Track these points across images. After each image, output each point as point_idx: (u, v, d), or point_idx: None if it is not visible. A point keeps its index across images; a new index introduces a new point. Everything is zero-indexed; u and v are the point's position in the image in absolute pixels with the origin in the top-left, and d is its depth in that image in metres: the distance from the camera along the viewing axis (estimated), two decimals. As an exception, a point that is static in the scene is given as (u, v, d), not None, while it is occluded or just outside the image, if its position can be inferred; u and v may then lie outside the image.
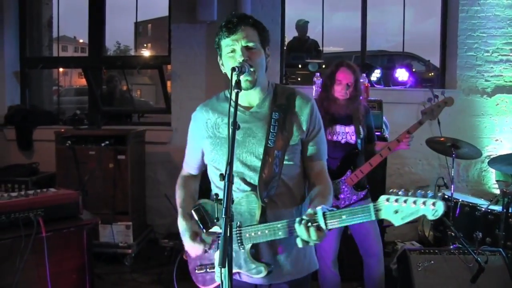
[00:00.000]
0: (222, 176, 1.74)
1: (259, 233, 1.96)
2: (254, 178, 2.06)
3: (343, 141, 3.64)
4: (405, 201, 1.63)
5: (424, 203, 1.59)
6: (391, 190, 1.70)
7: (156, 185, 5.92)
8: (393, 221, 1.66)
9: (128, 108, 6.74)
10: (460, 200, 4.52)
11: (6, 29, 6.24)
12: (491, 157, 5.09)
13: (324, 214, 1.78)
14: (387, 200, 1.67)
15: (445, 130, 5.49)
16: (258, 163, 2.05)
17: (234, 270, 2.05)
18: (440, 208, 1.57)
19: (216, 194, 1.98)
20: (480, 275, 3.42)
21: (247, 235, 2.00)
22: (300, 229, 1.79)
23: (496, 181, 5.63)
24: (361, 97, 3.73)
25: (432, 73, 6.42)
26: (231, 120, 1.81)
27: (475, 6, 5.80)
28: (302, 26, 6.80)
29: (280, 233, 1.92)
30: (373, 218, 1.69)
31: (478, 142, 5.49)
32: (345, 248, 3.97)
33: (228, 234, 1.65)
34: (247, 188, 2.07)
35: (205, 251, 2.16)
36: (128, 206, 5.19)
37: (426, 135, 4.79)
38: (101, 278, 4.66)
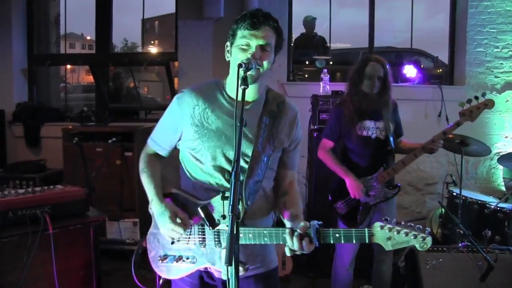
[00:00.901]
0: (229, 174, 1.73)
1: (241, 235, 1.94)
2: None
3: (373, 136, 3.61)
4: (398, 231, 1.80)
5: (415, 236, 1.79)
6: (384, 217, 1.85)
7: (162, 182, 5.90)
8: (384, 247, 1.82)
9: (135, 105, 6.75)
10: (468, 197, 4.49)
11: (13, 27, 6.26)
12: (501, 154, 5.05)
13: (317, 231, 1.86)
14: (381, 227, 1.81)
15: (453, 127, 5.46)
16: (243, 163, 2.04)
17: (206, 265, 2.10)
18: (429, 242, 1.79)
19: (223, 192, 1.96)
20: (490, 274, 3.39)
21: (226, 235, 1.99)
22: (292, 241, 1.86)
23: (503, 178, 5.59)
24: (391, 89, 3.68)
25: (441, 70, 6.37)
26: (238, 117, 1.78)
27: (484, 1, 5.74)
28: (309, 22, 6.77)
29: (266, 239, 1.95)
30: (367, 241, 1.82)
31: (487, 139, 5.44)
32: (358, 247, 3.95)
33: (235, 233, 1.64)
34: (227, 185, 2.03)
35: (172, 242, 2.16)
36: (135, 202, 5.19)
37: (435, 132, 4.74)
38: (108, 275, 4.66)
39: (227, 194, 1.89)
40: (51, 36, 7.06)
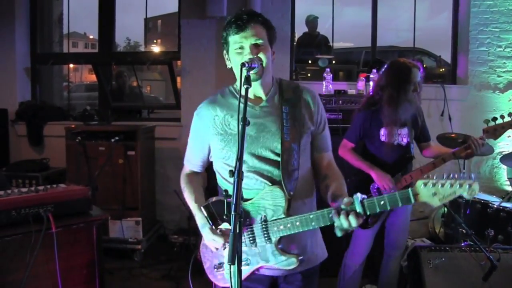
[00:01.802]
0: (231, 173, 1.73)
1: (289, 225, 1.97)
2: (272, 172, 2.08)
3: (395, 143, 3.60)
4: (442, 185, 1.73)
5: (461, 185, 1.72)
6: (425, 175, 1.81)
7: (165, 181, 5.93)
8: (432, 203, 1.75)
9: (138, 104, 6.76)
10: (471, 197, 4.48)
11: (17, 26, 6.27)
12: (503, 153, 5.04)
13: (362, 202, 1.83)
14: (425, 184, 1.75)
15: (456, 126, 5.47)
16: (274, 157, 2.08)
17: (260, 264, 2.09)
18: (476, 189, 1.72)
19: (226, 191, 1.97)
20: (492, 273, 3.39)
21: (275, 228, 2.01)
22: (340, 219, 1.83)
23: (508, 178, 5.57)
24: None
25: (443, 69, 6.36)
26: (240, 116, 1.80)
27: (487, 1, 5.73)
28: (312, 21, 6.76)
29: (313, 223, 1.94)
30: (413, 201, 1.77)
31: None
32: (371, 245, 3.95)
33: (238, 231, 1.65)
34: (266, 182, 2.07)
35: (224, 249, 2.16)
36: (137, 202, 5.21)
37: (437, 131, 4.75)
38: (110, 273, 4.67)
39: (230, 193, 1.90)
40: (54, 35, 7.08)
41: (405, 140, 3.62)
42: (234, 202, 1.66)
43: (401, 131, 3.61)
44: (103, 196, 4.94)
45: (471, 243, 3.65)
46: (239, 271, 1.65)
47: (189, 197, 2.30)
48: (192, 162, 2.37)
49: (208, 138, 2.21)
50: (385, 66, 3.77)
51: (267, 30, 2.10)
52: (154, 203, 5.90)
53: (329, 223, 1.91)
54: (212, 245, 2.16)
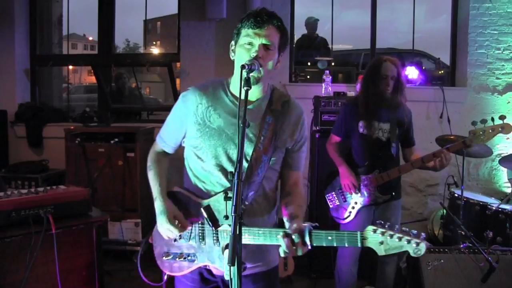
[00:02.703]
0: (231, 174, 1.73)
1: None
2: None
3: (374, 136, 3.61)
4: (391, 236, 1.72)
5: (408, 241, 1.70)
6: (378, 221, 1.78)
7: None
8: (377, 251, 1.75)
9: (138, 105, 6.76)
10: (470, 198, 4.50)
11: (16, 27, 6.27)
12: (502, 155, 5.05)
13: (310, 233, 1.82)
14: (374, 231, 1.74)
15: (455, 128, 5.47)
16: (243, 163, 2.02)
17: (206, 262, 2.12)
18: (422, 248, 1.70)
19: (225, 192, 1.97)
20: (491, 275, 3.39)
21: (224, 234, 2.02)
22: (284, 242, 1.83)
23: (508, 179, 5.58)
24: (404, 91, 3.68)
25: (442, 71, 6.38)
26: (241, 118, 1.78)
27: (486, 3, 5.75)
28: (311, 24, 6.77)
29: (261, 239, 1.94)
30: (359, 245, 1.77)
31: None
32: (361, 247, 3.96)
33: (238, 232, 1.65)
34: (227, 184, 2.07)
35: (175, 240, 2.19)
36: (137, 203, 5.20)
37: (436, 134, 4.76)
38: (110, 275, 4.67)
39: (230, 194, 1.92)
40: (54, 36, 7.08)
41: (385, 136, 3.63)
42: (234, 204, 1.66)
43: (381, 126, 3.62)
44: (103, 198, 4.94)
45: (470, 244, 3.65)
46: (239, 272, 1.66)
47: (153, 179, 2.26)
48: (165, 141, 2.33)
49: (187, 123, 2.17)
50: None
51: (281, 36, 2.06)
52: (154, 204, 5.89)
53: (275, 243, 1.90)
54: (166, 234, 2.14)
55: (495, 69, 5.81)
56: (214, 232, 2.06)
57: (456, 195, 4.61)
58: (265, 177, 2.10)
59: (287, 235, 1.84)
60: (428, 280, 3.51)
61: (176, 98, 6.14)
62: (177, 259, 2.19)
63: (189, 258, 2.16)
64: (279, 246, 1.87)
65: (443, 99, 5.72)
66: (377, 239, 1.73)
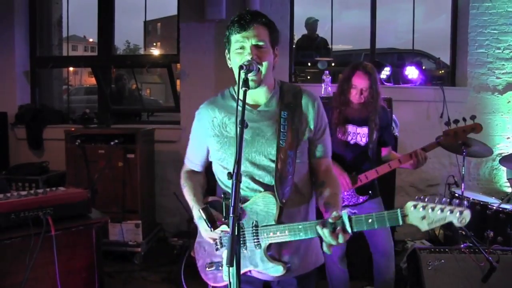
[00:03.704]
0: (230, 175, 1.73)
1: (278, 233, 1.96)
2: (263, 177, 2.07)
3: (352, 142, 3.59)
4: (432, 208, 1.65)
5: (451, 211, 1.61)
6: (417, 197, 1.72)
7: (165, 184, 5.93)
8: (420, 227, 1.69)
9: (138, 106, 6.77)
10: (471, 198, 4.49)
11: (16, 29, 6.28)
12: (503, 155, 5.05)
13: (349, 218, 1.79)
14: (414, 206, 1.69)
15: (455, 128, 5.45)
16: (267, 163, 2.06)
17: (249, 268, 2.07)
18: (467, 216, 1.59)
19: (224, 193, 1.98)
20: (492, 275, 3.39)
21: (265, 234, 2.00)
22: (325, 233, 1.81)
23: (508, 179, 5.58)
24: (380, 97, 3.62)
25: (442, 71, 6.37)
26: (238, 118, 1.80)
27: (486, 3, 5.75)
28: (311, 24, 6.78)
29: (301, 234, 1.92)
30: (401, 223, 1.72)
31: (489, 140, 5.43)
32: (355, 246, 3.94)
33: (236, 233, 1.65)
34: (257, 187, 2.07)
35: (217, 249, 2.17)
36: (137, 204, 5.20)
37: (437, 133, 4.74)
38: (110, 277, 4.67)
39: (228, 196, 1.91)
40: (54, 38, 7.08)
41: (364, 140, 3.61)
42: (232, 205, 1.66)
43: (359, 131, 3.60)
44: (103, 199, 4.94)
45: (471, 244, 3.65)
46: (238, 273, 1.65)
47: (188, 192, 2.30)
48: (191, 161, 2.39)
49: (206, 139, 2.22)
50: None
51: (270, 32, 2.06)
52: (154, 206, 5.90)
53: (316, 235, 1.88)
54: (209, 236, 2.15)
55: (495, 69, 5.81)
56: (254, 235, 2.04)
57: (456, 195, 4.60)
58: (295, 171, 2.08)
59: (325, 224, 1.82)
60: (428, 280, 3.51)
61: (176, 99, 6.17)
62: (221, 268, 2.17)
63: None
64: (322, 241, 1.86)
65: (443, 99, 5.72)
66: (419, 214, 1.68)
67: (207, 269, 2.22)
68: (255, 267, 2.06)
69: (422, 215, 1.67)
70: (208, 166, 2.37)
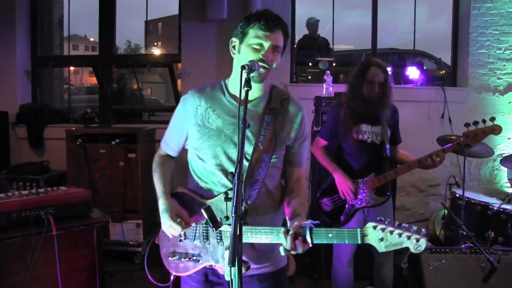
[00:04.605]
0: (232, 175, 1.74)
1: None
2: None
3: (369, 141, 3.58)
4: (390, 232, 1.71)
5: (408, 237, 1.67)
6: (378, 218, 1.78)
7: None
8: (377, 248, 1.75)
9: (139, 106, 6.76)
10: (471, 199, 4.49)
11: (17, 28, 6.28)
12: (504, 155, 5.05)
13: (310, 230, 1.83)
14: (374, 228, 1.74)
15: (456, 129, 5.46)
16: (244, 163, 2.04)
17: (210, 263, 2.13)
18: (422, 244, 1.65)
19: (226, 193, 1.98)
20: (493, 275, 3.39)
21: (228, 233, 2.03)
22: (286, 240, 1.84)
23: (509, 179, 5.58)
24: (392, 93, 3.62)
25: (443, 71, 6.37)
26: (241, 119, 1.80)
27: (487, 3, 5.75)
28: (312, 24, 6.78)
29: (263, 238, 1.95)
30: (359, 242, 1.77)
31: (490, 141, 5.42)
32: (355, 247, 3.96)
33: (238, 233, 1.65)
34: (228, 184, 2.09)
35: (180, 240, 2.22)
36: (138, 204, 5.21)
37: (438, 134, 4.75)
38: (111, 276, 4.67)
39: (230, 195, 1.93)
40: (55, 38, 7.09)
41: (379, 139, 3.60)
42: (234, 204, 1.67)
43: (374, 130, 3.59)
44: (104, 199, 4.94)
45: (471, 245, 3.64)
46: (240, 273, 1.65)
47: (157, 180, 2.31)
48: (168, 145, 2.37)
49: (188, 126, 2.20)
50: None
51: (285, 40, 2.12)
52: (155, 205, 5.87)
53: (278, 241, 1.91)
54: (170, 231, 2.16)
55: (496, 69, 5.81)
56: (217, 232, 2.07)
57: (457, 195, 4.60)
58: (267, 175, 2.10)
59: (288, 232, 1.85)
60: (429, 281, 3.51)
61: (177, 99, 6.16)
62: (183, 259, 2.21)
63: (194, 258, 2.18)
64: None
65: (444, 99, 5.72)
66: (378, 236, 1.73)
67: (169, 258, 2.26)
68: (216, 262, 2.11)
69: (380, 237, 1.73)
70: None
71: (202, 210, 2.00)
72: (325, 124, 3.80)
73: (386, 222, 1.73)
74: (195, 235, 2.18)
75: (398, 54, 7.79)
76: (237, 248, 1.62)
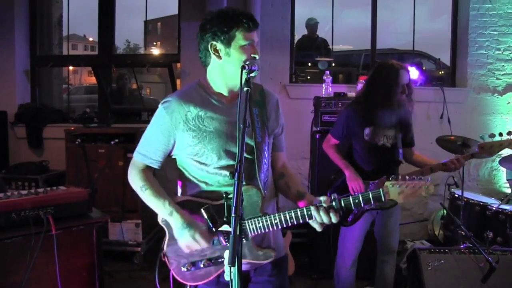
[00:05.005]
0: (232, 175, 1.74)
1: (267, 223, 2.03)
2: (246, 170, 2.02)
3: (380, 143, 3.58)
4: (406, 185, 2.00)
5: (419, 186, 1.99)
6: (391, 176, 2.15)
7: (165, 183, 5.90)
8: (397, 200, 2.04)
9: (138, 106, 6.76)
10: (470, 199, 4.50)
11: (16, 28, 6.28)
12: (502, 156, 5.05)
13: (339, 199, 1.98)
14: (392, 185, 2.01)
15: (455, 129, 5.47)
16: (249, 156, 2.10)
17: None
18: (431, 188, 1.99)
19: (226, 193, 1.98)
20: (491, 275, 3.39)
21: (252, 226, 2.05)
22: (320, 215, 1.97)
23: (507, 180, 5.59)
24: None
25: (443, 72, 6.38)
26: (241, 118, 1.82)
27: (486, 4, 5.76)
28: (312, 26, 6.77)
29: (292, 221, 2.01)
30: (383, 199, 1.96)
31: (480, 135, 5.45)
32: (360, 247, 3.97)
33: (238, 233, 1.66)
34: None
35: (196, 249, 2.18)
36: (137, 204, 5.19)
37: (437, 134, 4.76)
38: (110, 276, 4.67)
39: (230, 195, 1.93)
40: (54, 37, 7.08)
41: (390, 142, 3.61)
42: (234, 204, 1.67)
43: (386, 132, 3.59)
44: (103, 199, 4.93)
45: (470, 245, 3.65)
46: (239, 273, 1.66)
47: (154, 196, 2.21)
48: (151, 157, 2.21)
49: (175, 134, 2.14)
50: (374, 67, 3.77)
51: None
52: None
53: (307, 220, 2.01)
54: (192, 246, 2.13)
55: (495, 70, 5.82)
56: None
57: (456, 195, 4.61)
58: (268, 165, 2.21)
59: (319, 208, 1.98)
60: (428, 281, 3.52)
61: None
62: (202, 266, 2.16)
63: (216, 261, 2.14)
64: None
65: (443, 100, 5.73)
66: (397, 190, 2.01)
67: (185, 270, 2.19)
68: (243, 258, 2.08)
69: (399, 191, 2.01)
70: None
71: (202, 210, 2.01)
72: (337, 124, 3.77)
73: (399, 178, 2.03)
74: (213, 238, 2.15)
75: (398, 55, 7.78)
76: (237, 248, 1.62)
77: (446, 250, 3.64)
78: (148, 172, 2.27)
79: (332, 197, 2.00)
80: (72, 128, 5.39)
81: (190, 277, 2.20)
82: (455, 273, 3.52)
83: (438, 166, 3.56)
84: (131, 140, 5.18)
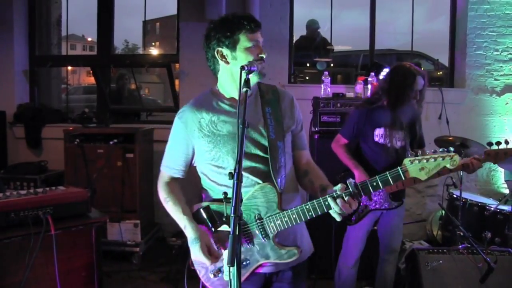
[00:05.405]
0: (231, 175, 1.74)
1: (285, 219, 2.02)
2: (261, 169, 2.11)
3: (389, 145, 3.58)
4: (427, 160, 1.90)
5: (443, 157, 1.88)
6: (410, 152, 2.01)
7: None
8: (420, 177, 1.93)
9: (137, 106, 6.76)
10: (468, 199, 4.51)
11: (15, 28, 6.27)
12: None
13: (356, 186, 1.95)
14: (411, 162, 1.92)
15: (453, 129, 5.48)
16: (263, 154, 2.12)
17: (261, 262, 2.10)
18: (457, 159, 1.87)
19: (225, 193, 1.98)
20: (489, 275, 3.40)
21: (272, 224, 2.04)
22: (338, 203, 1.93)
23: (505, 181, 5.59)
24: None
25: (441, 72, 6.39)
26: (240, 119, 1.82)
27: (484, 5, 5.77)
28: (312, 29, 6.76)
29: (310, 213, 2.00)
30: (403, 178, 1.94)
31: (487, 142, 5.45)
32: (363, 247, 3.97)
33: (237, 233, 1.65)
34: (256, 179, 2.10)
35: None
36: (136, 204, 5.21)
37: (435, 134, 4.76)
38: (109, 276, 4.67)
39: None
40: (53, 37, 7.08)
41: (399, 144, 3.62)
42: (233, 204, 1.67)
43: (396, 134, 3.61)
44: (102, 199, 4.94)
45: (469, 245, 3.66)
46: (239, 273, 1.66)
47: (174, 208, 2.28)
48: (174, 167, 2.30)
49: (193, 141, 2.20)
50: (391, 68, 3.77)
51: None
52: (153, 205, 5.89)
53: (325, 211, 1.98)
54: (199, 261, 2.16)
55: (493, 71, 5.83)
56: (259, 227, 2.06)
57: (454, 196, 4.62)
58: (285, 161, 2.17)
59: (336, 197, 1.94)
60: (427, 281, 3.52)
61: (175, 99, 6.17)
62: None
63: (243, 264, 2.12)
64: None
65: (441, 100, 5.74)
66: (417, 167, 1.91)
67: (214, 277, 2.18)
68: (266, 259, 2.09)
69: (419, 167, 1.91)
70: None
71: (201, 210, 2.01)
72: (347, 123, 3.76)
73: (418, 153, 1.92)
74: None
75: (396, 55, 7.79)
76: (237, 248, 1.62)
77: (445, 251, 3.65)
78: (173, 184, 2.34)
79: (348, 182, 1.95)
80: (71, 128, 5.39)
81: (219, 283, 2.19)
82: (454, 273, 3.53)
83: (458, 167, 3.56)
84: (130, 140, 5.19)
